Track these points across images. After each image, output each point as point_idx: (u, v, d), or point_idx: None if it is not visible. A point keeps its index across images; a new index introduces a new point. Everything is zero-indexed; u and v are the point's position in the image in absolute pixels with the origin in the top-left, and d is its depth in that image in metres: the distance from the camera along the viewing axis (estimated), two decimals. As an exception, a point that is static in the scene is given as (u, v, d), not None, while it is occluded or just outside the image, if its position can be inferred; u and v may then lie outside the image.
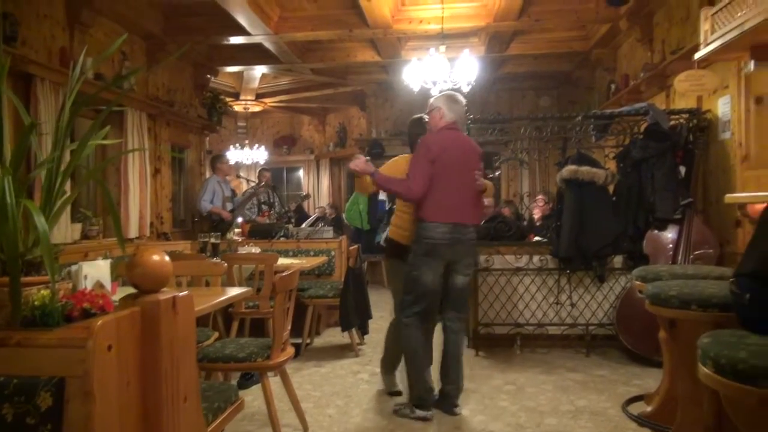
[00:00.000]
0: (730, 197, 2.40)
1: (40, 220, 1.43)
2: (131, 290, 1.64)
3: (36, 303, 1.46)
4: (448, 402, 3.22)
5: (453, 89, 5.50)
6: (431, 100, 3.37)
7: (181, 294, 1.64)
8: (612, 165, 4.61)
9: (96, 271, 2.26)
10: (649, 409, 2.29)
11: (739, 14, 2.24)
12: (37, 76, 4.31)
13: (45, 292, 1.48)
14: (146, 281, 1.55)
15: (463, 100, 3.32)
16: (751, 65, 2.34)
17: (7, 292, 1.45)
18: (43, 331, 1.40)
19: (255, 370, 2.76)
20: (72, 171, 1.70)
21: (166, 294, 1.58)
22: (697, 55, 2.69)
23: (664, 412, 2.18)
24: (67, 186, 1.68)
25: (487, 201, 5.66)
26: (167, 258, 1.60)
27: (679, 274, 2.17)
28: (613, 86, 6.33)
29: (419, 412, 3.11)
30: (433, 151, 3.09)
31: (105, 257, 3.58)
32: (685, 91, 3.36)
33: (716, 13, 2.47)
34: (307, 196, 9.21)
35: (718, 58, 2.86)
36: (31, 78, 4.28)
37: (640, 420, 2.29)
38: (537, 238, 4.99)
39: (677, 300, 1.74)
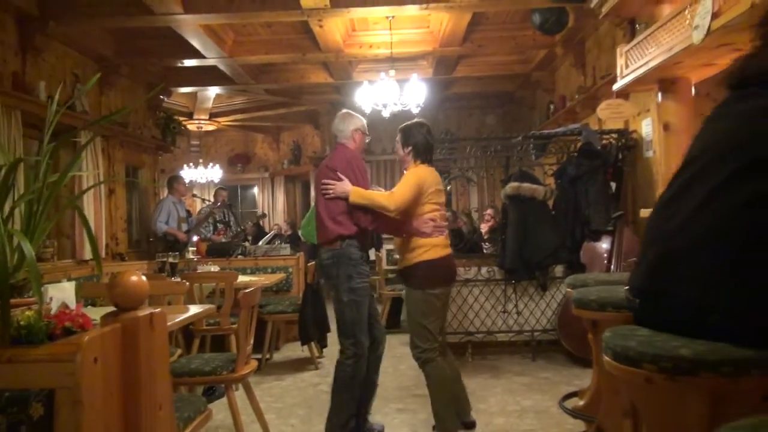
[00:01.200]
0: (644, 212, 2.71)
1: (27, 247, 1.57)
2: (95, 310, 1.78)
3: (22, 323, 1.59)
4: None
5: (402, 111, 5.81)
6: None
7: (156, 311, 1.80)
8: (551, 181, 4.96)
9: (61, 293, 2.37)
10: (581, 403, 2.56)
11: (647, 52, 2.59)
12: (-10, 100, 4.34)
13: (29, 313, 1.61)
14: (126, 300, 1.70)
15: (347, 115, 3.22)
16: (659, 97, 2.68)
17: (-8, 314, 1.58)
18: (32, 347, 1.53)
19: (221, 383, 2.89)
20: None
21: (143, 311, 1.74)
22: (615, 87, 3.04)
23: (593, 404, 2.44)
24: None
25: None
26: (144, 278, 1.76)
27: (603, 281, 2.45)
28: (552, 106, 6.77)
29: None
30: None
31: (69, 279, 3.64)
32: (606, 118, 3.73)
33: (629, 50, 2.83)
34: (263, 216, 9.28)
35: (633, 89, 3.23)
36: (-15, 103, 4.31)
37: (573, 413, 2.56)
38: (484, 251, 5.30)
39: (596, 303, 2.01)
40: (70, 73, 5.64)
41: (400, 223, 2.99)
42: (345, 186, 2.94)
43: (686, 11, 2.43)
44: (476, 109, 9.46)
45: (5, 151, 4.04)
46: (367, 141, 3.28)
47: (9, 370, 1.51)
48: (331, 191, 2.96)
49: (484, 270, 4.79)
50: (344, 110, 3.28)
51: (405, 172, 3.18)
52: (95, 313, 1.85)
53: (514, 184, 4.65)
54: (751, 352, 1.19)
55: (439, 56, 6.45)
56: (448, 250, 3.07)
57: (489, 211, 6.77)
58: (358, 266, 3.02)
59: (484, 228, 6.22)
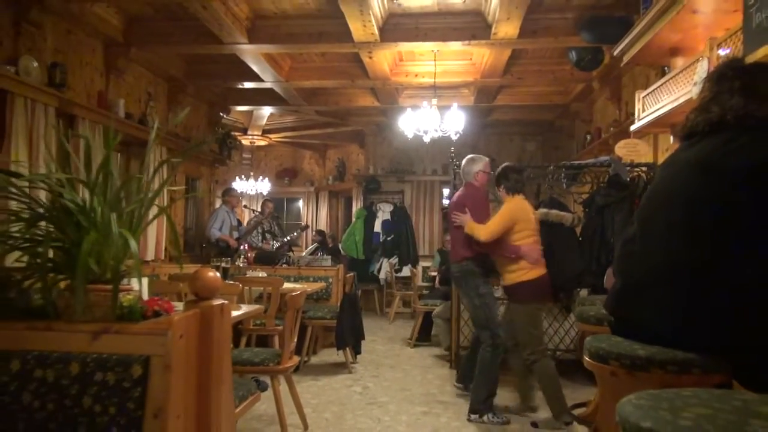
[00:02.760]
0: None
1: (133, 245, 2.02)
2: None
3: (124, 304, 2.03)
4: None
5: (442, 137, 6.19)
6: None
7: (225, 302, 2.22)
8: (580, 209, 5.22)
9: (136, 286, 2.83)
10: (586, 411, 2.85)
11: (660, 99, 2.88)
12: (78, 116, 4.94)
13: (130, 296, 2.06)
14: (204, 291, 2.12)
15: (471, 160, 4.04)
16: (671, 139, 2.95)
17: (105, 296, 2.02)
18: (132, 323, 1.97)
19: (268, 373, 3.30)
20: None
21: (216, 301, 2.16)
22: (632, 128, 3.34)
23: (595, 412, 2.74)
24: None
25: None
26: (218, 275, 2.19)
27: (609, 302, 2.76)
28: (588, 137, 7.02)
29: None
30: None
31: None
32: (624, 156, 4.01)
33: (646, 96, 3.13)
34: (306, 227, 9.80)
35: (649, 131, 3.51)
36: (74, 118, 4.91)
37: (577, 419, 2.85)
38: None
39: (594, 318, 2.32)
40: (144, 92, 6.27)
41: (499, 248, 3.72)
42: (466, 219, 3.79)
43: (697, 63, 2.73)
44: (517, 136, 9.73)
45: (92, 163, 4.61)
46: (491, 176, 4.08)
47: (116, 339, 1.94)
48: (457, 222, 3.85)
49: (511, 290, 5.07)
50: (470, 155, 4.09)
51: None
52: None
53: (542, 210, 4.93)
54: (693, 356, 1.51)
55: (480, 86, 6.82)
56: (542, 270, 3.79)
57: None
58: (480, 277, 3.85)
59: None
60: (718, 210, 1.56)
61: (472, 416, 3.74)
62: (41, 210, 2.08)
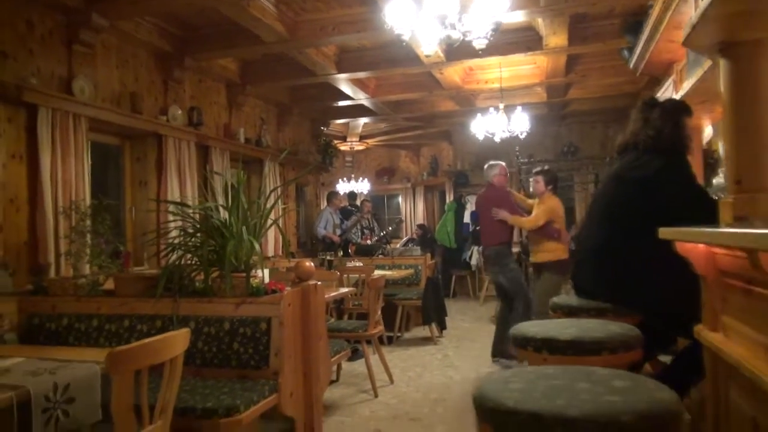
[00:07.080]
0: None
1: (257, 247, 3.11)
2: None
3: (253, 285, 3.12)
4: None
5: (510, 136, 6.89)
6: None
7: (319, 283, 3.25)
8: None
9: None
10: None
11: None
12: (211, 146, 6.30)
13: (256, 280, 3.14)
14: (303, 275, 3.17)
15: (490, 166, 5.09)
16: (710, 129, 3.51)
17: (241, 280, 3.12)
18: (259, 297, 3.05)
19: (359, 338, 4.31)
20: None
21: (312, 282, 3.19)
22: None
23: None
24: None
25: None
26: (312, 264, 3.22)
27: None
28: (659, 122, 7.31)
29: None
30: None
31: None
32: None
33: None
34: (401, 221, 10.81)
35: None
36: (208, 148, 6.27)
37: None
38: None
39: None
40: (258, 118, 7.61)
41: (543, 231, 4.75)
42: (505, 214, 4.77)
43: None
44: (599, 123, 9.99)
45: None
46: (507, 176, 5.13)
47: (250, 307, 3.04)
48: (498, 216, 4.79)
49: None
50: (489, 162, 5.16)
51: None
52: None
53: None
54: (608, 305, 2.29)
55: (548, 85, 7.39)
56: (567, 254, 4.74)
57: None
58: (509, 257, 4.93)
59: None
60: (625, 209, 2.31)
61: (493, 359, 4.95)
62: (200, 226, 3.24)
